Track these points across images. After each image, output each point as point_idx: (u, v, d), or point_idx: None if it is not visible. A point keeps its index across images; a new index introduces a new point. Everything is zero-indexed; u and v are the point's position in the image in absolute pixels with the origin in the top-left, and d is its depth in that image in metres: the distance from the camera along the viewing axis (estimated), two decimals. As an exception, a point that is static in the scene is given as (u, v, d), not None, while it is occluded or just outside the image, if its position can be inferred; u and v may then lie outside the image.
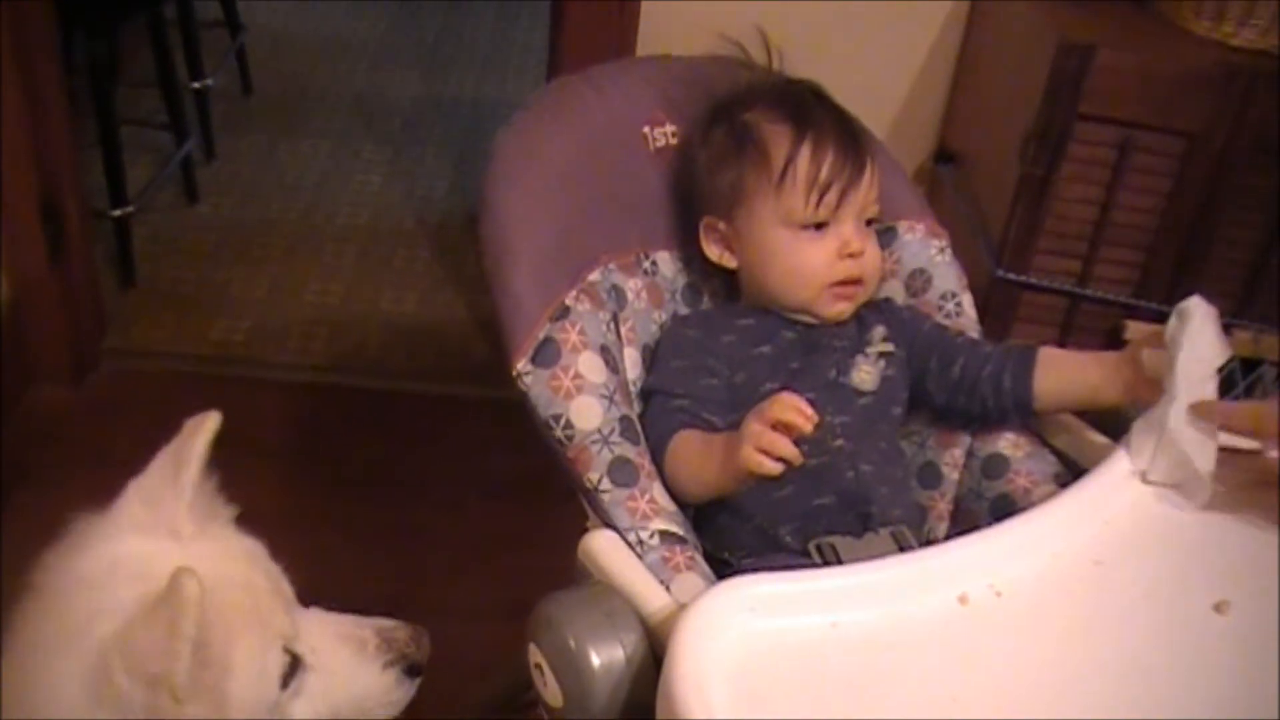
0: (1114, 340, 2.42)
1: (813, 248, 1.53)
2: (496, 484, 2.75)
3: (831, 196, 1.52)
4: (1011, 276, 2.36)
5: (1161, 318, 2.35)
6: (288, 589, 1.25)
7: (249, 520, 2.53)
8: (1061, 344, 2.44)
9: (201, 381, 3.01)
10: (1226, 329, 2.36)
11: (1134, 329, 2.39)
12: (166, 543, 1.18)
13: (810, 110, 1.56)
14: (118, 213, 3.21)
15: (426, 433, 2.94)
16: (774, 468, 1.31)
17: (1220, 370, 2.38)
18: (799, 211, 1.52)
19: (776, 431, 1.30)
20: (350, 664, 1.25)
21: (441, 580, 2.51)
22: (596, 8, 2.57)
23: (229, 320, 3.23)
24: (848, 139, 1.55)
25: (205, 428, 1.25)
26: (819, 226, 1.53)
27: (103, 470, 2.69)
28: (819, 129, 1.54)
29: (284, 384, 3.04)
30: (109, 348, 3.05)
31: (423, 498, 2.73)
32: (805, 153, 1.52)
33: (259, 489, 2.62)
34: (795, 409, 1.29)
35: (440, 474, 2.80)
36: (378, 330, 3.26)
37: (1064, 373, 1.52)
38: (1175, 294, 2.37)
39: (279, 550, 2.45)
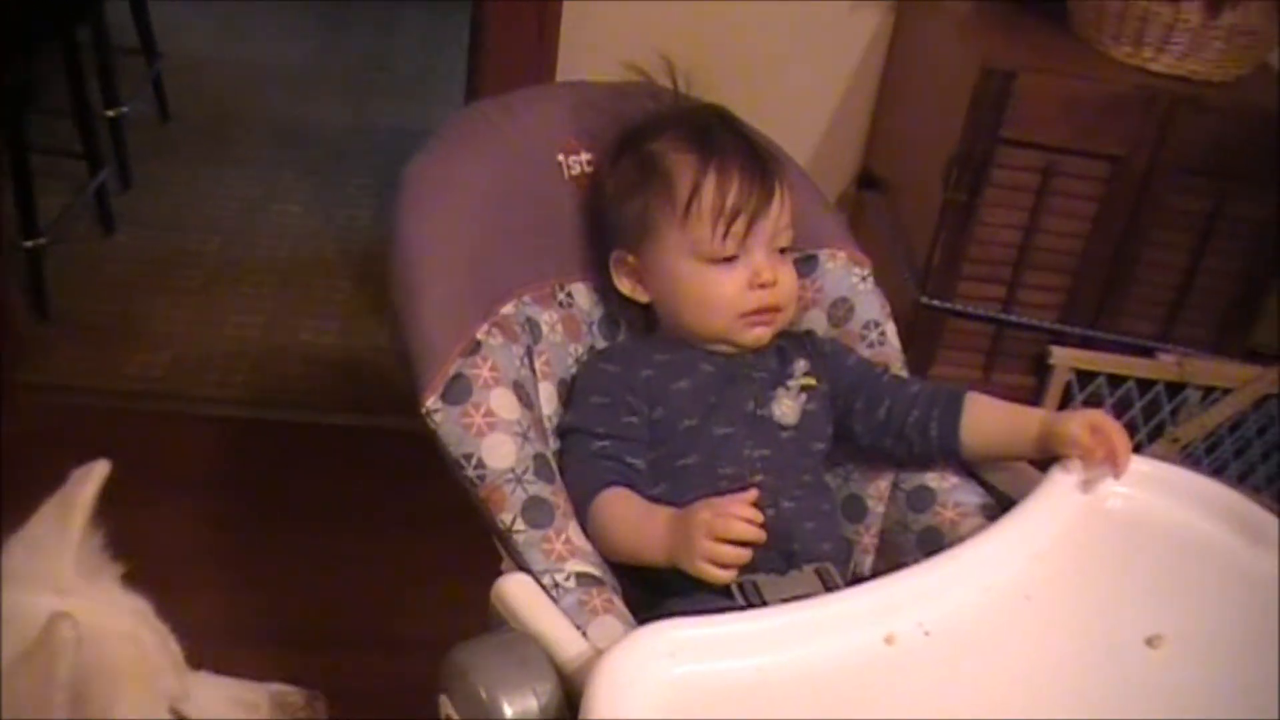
0: (1040, 367, 2.41)
1: (723, 279, 1.49)
2: (423, 516, 2.69)
3: (739, 226, 1.48)
4: (936, 303, 2.34)
5: (1087, 342, 2.39)
6: (176, 649, 1.20)
7: (168, 558, 2.48)
8: (987, 371, 2.44)
9: (119, 416, 2.93)
10: (1151, 352, 2.39)
11: (1059, 355, 2.38)
12: (48, 597, 1.12)
13: (716, 137, 1.52)
14: (30, 244, 3.12)
15: (350, 464, 2.88)
16: (729, 576, 1.30)
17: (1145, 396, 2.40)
18: (706, 243, 1.48)
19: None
20: None
21: (369, 613, 2.46)
22: (515, 34, 2.53)
23: (147, 354, 3.15)
24: (755, 165, 1.51)
25: (93, 477, 1.20)
26: (729, 259, 1.49)
27: (14, 505, 2.62)
28: (724, 156, 1.50)
29: (204, 418, 2.97)
30: (25, 382, 2.96)
31: (348, 530, 2.67)
32: (710, 182, 1.48)
33: (180, 525, 2.59)
34: (747, 530, 1.29)
35: (365, 506, 2.74)
36: (299, 362, 3.20)
37: (990, 428, 1.50)
38: (1100, 318, 2.40)
39: (202, 586, 2.41)
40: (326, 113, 4.53)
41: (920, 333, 2.34)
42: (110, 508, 2.59)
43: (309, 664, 2.29)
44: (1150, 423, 2.45)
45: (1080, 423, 1.40)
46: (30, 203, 3.12)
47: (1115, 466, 1.39)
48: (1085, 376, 2.41)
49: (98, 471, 1.21)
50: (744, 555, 1.29)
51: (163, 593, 2.47)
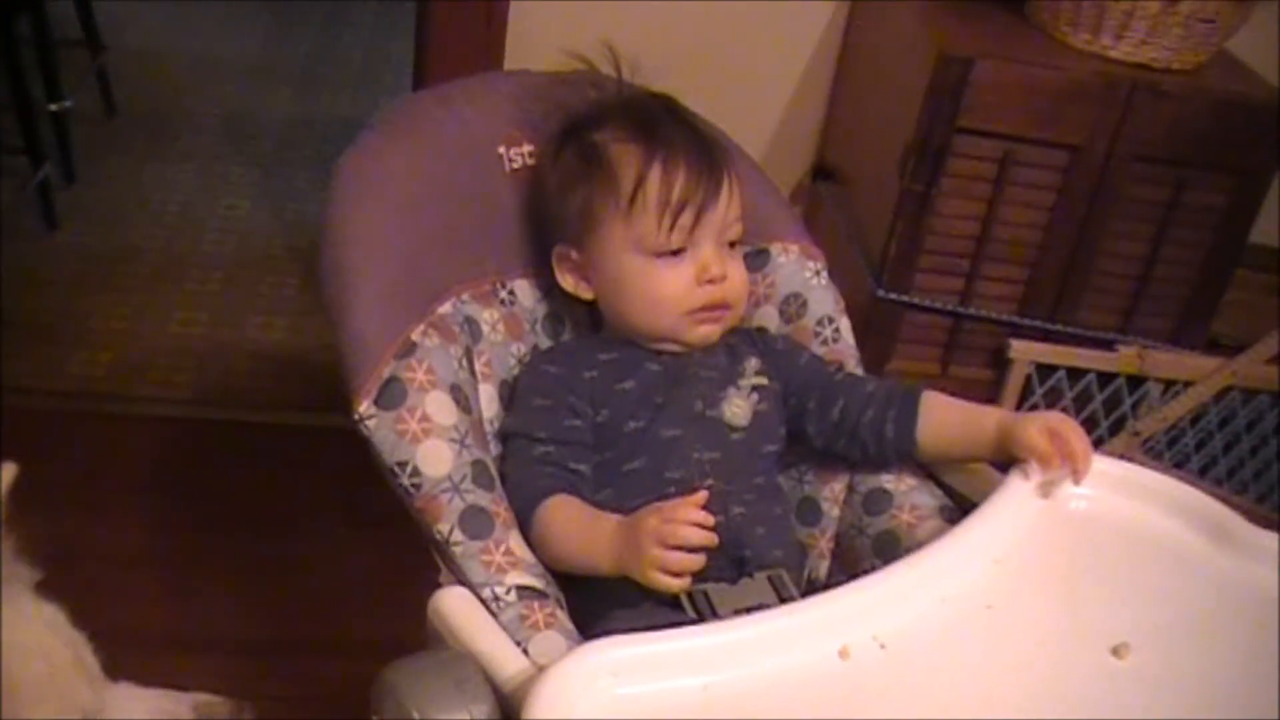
0: (1000, 360, 2.37)
1: (669, 274, 1.44)
2: (373, 517, 2.63)
3: (686, 219, 1.42)
4: (893, 296, 2.30)
5: (1046, 335, 2.36)
6: (91, 660, 1.15)
7: (109, 563, 2.42)
8: (946, 364, 2.40)
9: (59, 418, 2.87)
10: (1111, 345, 2.36)
11: (1019, 349, 2.34)
12: None
13: (661, 127, 1.47)
14: (-33, 241, 3.07)
15: (298, 464, 2.82)
16: (681, 585, 1.26)
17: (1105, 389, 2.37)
18: (651, 237, 1.43)
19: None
20: None
21: (319, 617, 2.42)
22: (462, 25, 2.48)
23: (89, 352, 3.09)
24: (702, 156, 1.45)
25: (2, 479, 1.14)
26: (675, 254, 1.44)
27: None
28: (670, 147, 1.44)
29: (148, 418, 2.91)
30: (-42, 381, 2.90)
31: (296, 532, 2.62)
32: (655, 173, 1.43)
33: (122, 529, 2.53)
34: (697, 534, 1.24)
35: (314, 507, 2.69)
36: (245, 360, 3.14)
37: (947, 430, 1.45)
38: (1059, 310, 2.36)
39: (143, 592, 2.35)
40: (274, 106, 4.47)
41: (877, 327, 2.29)
42: (49, 511, 2.53)
43: (254, 669, 2.26)
44: (1111, 416, 2.41)
45: (1038, 427, 1.34)
46: (-33, 199, 3.05)
47: (1075, 472, 1.34)
48: (1045, 370, 2.37)
49: (4, 475, 1.15)
50: (697, 561, 1.24)
51: (103, 598, 2.41)
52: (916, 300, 2.31)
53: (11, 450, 2.70)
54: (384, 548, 2.55)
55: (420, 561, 2.48)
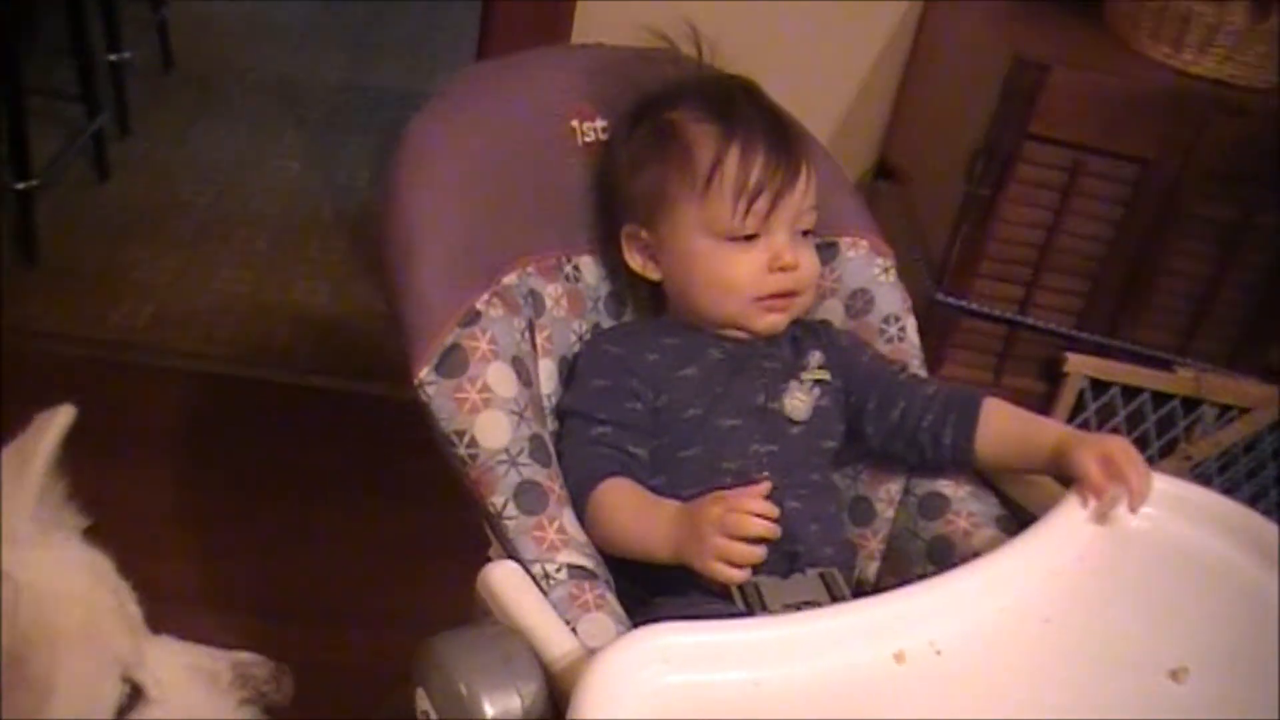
0: (1053, 373, 2.34)
1: (740, 258, 1.41)
2: (404, 487, 2.64)
3: (761, 204, 1.39)
4: (951, 300, 2.26)
5: (1103, 350, 2.32)
6: (134, 611, 1.14)
7: (140, 516, 2.41)
8: (998, 374, 2.37)
9: (99, 365, 2.87)
10: (1168, 365, 2.32)
11: (1075, 363, 2.30)
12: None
13: (740, 109, 1.44)
14: (21, 185, 3.06)
15: (333, 430, 2.82)
16: (741, 576, 1.23)
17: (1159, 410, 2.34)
18: (725, 221, 1.40)
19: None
20: (198, 700, 1.14)
21: (340, 585, 2.41)
22: (530, -5, 2.46)
23: (132, 304, 3.09)
24: (781, 141, 1.42)
25: (55, 424, 1.13)
26: (748, 239, 1.41)
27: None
28: (749, 130, 1.41)
29: (186, 373, 2.91)
30: (4, 324, 2.89)
31: (326, 498, 2.61)
32: (733, 156, 1.40)
33: (155, 483, 2.52)
34: (761, 525, 1.21)
35: (346, 474, 2.69)
36: (287, 322, 3.13)
37: (1005, 440, 1.42)
38: (1118, 326, 2.32)
39: (172, 547, 2.35)
40: (328, 71, 4.48)
41: (931, 331, 2.25)
42: (83, 460, 2.53)
43: (279, 634, 2.24)
44: (1163, 437, 2.37)
45: (1094, 453, 1.31)
46: (24, 144, 3.05)
47: (1130, 500, 1.31)
48: (1099, 386, 2.33)
49: (60, 419, 1.14)
50: (758, 554, 1.22)
51: (131, 551, 2.41)
52: (974, 306, 2.27)
53: (49, 398, 2.71)
54: (408, 520, 2.56)
55: (451, 536, 2.48)
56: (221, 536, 2.47)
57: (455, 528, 2.51)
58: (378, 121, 4.12)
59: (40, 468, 1.11)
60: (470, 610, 1.25)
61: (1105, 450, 1.31)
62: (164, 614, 2.27)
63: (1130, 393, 2.35)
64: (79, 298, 3.07)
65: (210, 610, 2.29)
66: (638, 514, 1.31)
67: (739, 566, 1.22)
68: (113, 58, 3.63)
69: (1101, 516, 1.31)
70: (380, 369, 2.98)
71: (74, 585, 1.07)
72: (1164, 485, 1.34)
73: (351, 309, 3.22)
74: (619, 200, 1.49)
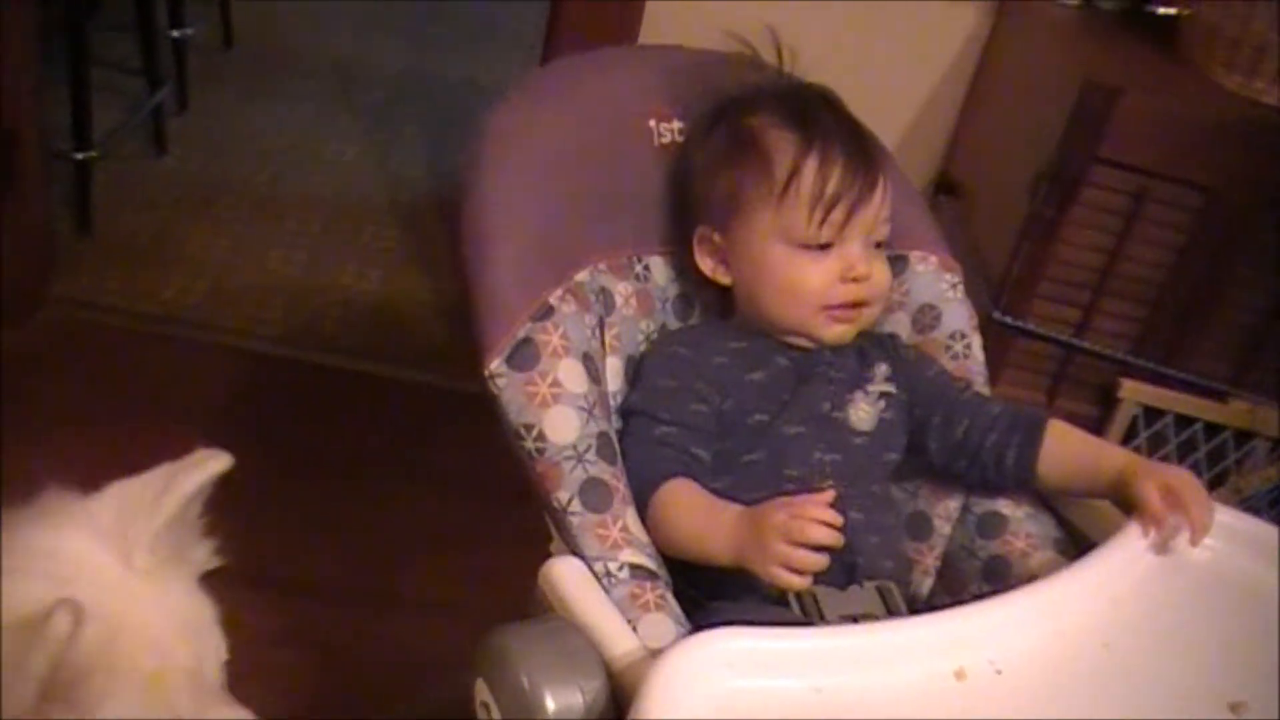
0: (1107, 398, 2.32)
1: (813, 267, 1.41)
2: (444, 477, 2.65)
3: (838, 214, 1.39)
4: (1008, 320, 2.25)
5: (1158, 378, 2.31)
6: (212, 673, 1.11)
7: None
8: (1051, 396, 2.35)
9: (148, 338, 2.89)
10: (1223, 396, 2.30)
11: (1129, 389, 2.29)
12: (108, 561, 1.05)
13: (821, 119, 1.44)
14: (80, 156, 3.08)
15: (376, 416, 2.83)
16: (802, 583, 1.22)
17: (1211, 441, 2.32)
18: (800, 228, 1.40)
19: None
20: None
21: (378, 570, 2.42)
22: (599, -7, 2.46)
23: (184, 279, 3.11)
24: (859, 153, 1.42)
25: (210, 465, 1.12)
26: (822, 247, 1.41)
27: (34, 414, 2.58)
28: (828, 139, 1.41)
29: (233, 350, 2.93)
30: (57, 293, 2.92)
31: (361, 482, 2.63)
32: (811, 164, 1.40)
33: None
34: (825, 533, 1.20)
35: (386, 460, 2.70)
36: (337, 305, 3.14)
37: (1068, 464, 1.41)
38: (1174, 354, 2.30)
39: (208, 521, 2.35)
40: (387, 58, 4.49)
41: (986, 349, 2.25)
42: (127, 428, 2.55)
43: (309, 613, 2.26)
44: (1215, 469, 2.36)
45: (1156, 483, 1.30)
46: (85, 115, 3.08)
47: (1191, 533, 1.30)
48: (1152, 413, 2.32)
49: (216, 463, 1.12)
50: (821, 562, 1.21)
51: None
52: (1031, 326, 2.26)
53: (96, 368, 2.72)
54: (444, 508, 2.57)
55: (486, 527, 2.49)
56: (259, 513, 2.47)
57: (485, 520, 2.53)
58: (435, 111, 4.13)
59: (176, 501, 1.09)
60: (529, 604, 1.25)
61: (1168, 481, 1.31)
62: (201, 587, 2.29)
63: (1183, 422, 2.33)
64: (131, 270, 3.08)
65: (245, 585, 2.29)
66: (700, 516, 1.31)
67: (800, 573, 1.21)
68: (175, 34, 3.66)
69: (1161, 547, 1.31)
70: (425, 358, 3.00)
71: (157, 631, 1.05)
72: (1225, 518, 1.33)
73: (400, 297, 3.22)
74: (692, 203, 1.49)
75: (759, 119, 1.44)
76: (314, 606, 2.30)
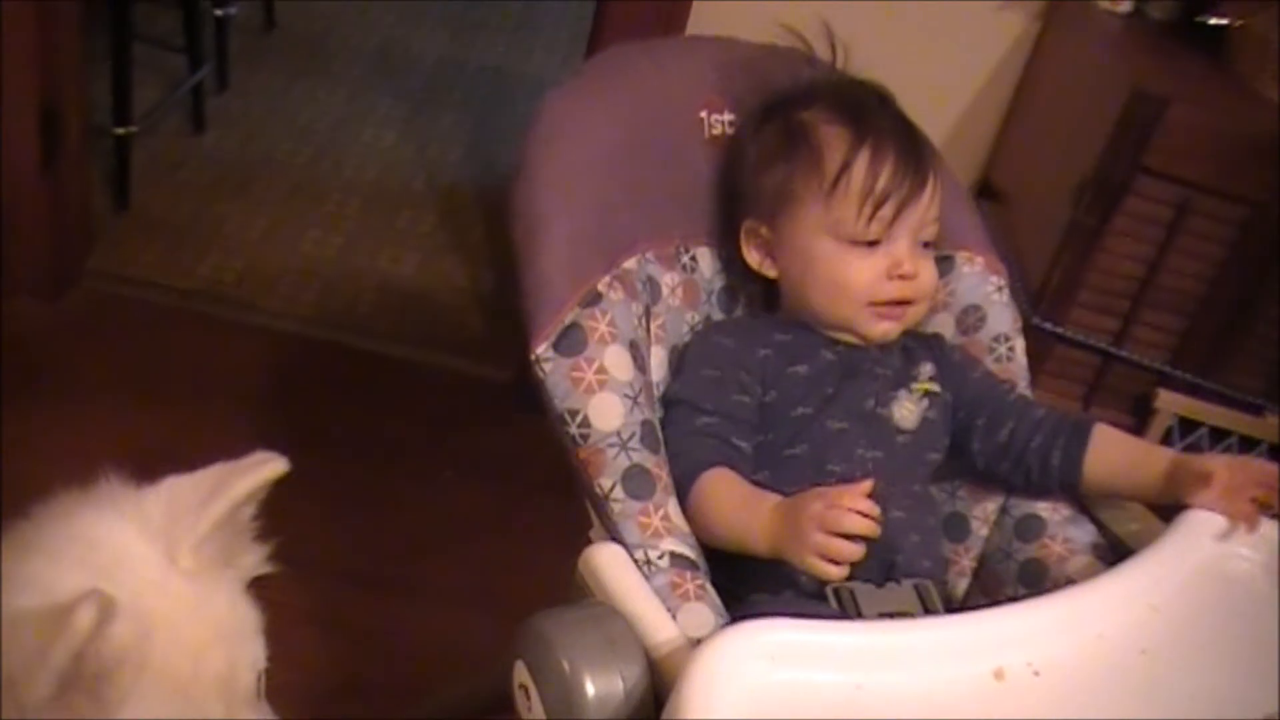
0: (1142, 408, 2.32)
1: (860, 263, 1.41)
2: (473, 464, 2.66)
3: (887, 211, 1.39)
4: (1047, 326, 2.24)
5: (1194, 390, 2.30)
6: (248, 682, 1.10)
7: (213, 462, 2.42)
8: (1087, 404, 2.34)
9: (182, 316, 2.91)
10: (1259, 410, 2.29)
11: (1166, 399, 2.29)
12: (151, 557, 1.04)
13: (873, 115, 1.44)
14: (120, 131, 3.10)
15: (407, 401, 2.84)
16: (839, 573, 1.21)
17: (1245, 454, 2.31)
18: (849, 224, 1.40)
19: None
20: None
21: (409, 557, 2.43)
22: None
23: (220, 257, 3.12)
24: (910, 151, 1.43)
25: (265, 469, 1.12)
26: (870, 244, 1.41)
27: (69, 388, 2.58)
28: (880, 136, 1.41)
29: (267, 330, 2.94)
30: (93, 268, 2.94)
31: (395, 468, 2.63)
32: (863, 160, 1.40)
33: (229, 433, 2.54)
34: (862, 523, 1.19)
35: (416, 446, 2.70)
36: (372, 289, 3.15)
37: (1116, 464, 1.41)
38: (1211, 367, 2.30)
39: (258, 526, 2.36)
40: (429, 45, 4.50)
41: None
42: (158, 405, 2.55)
43: (338, 597, 2.27)
44: (1246, 482, 2.35)
45: (1222, 460, 1.31)
46: (126, 90, 3.09)
47: (1256, 510, 1.31)
48: (1188, 425, 2.31)
49: (269, 468, 1.12)
50: (858, 551, 1.20)
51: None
52: (1070, 334, 2.26)
53: (132, 343, 2.73)
54: (474, 496, 2.58)
55: (514, 516, 2.49)
56: (291, 494, 2.48)
57: (514, 508, 2.53)
58: (474, 99, 4.14)
59: (227, 503, 1.08)
60: (569, 590, 1.26)
61: (1232, 459, 1.33)
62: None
63: (1218, 434, 2.32)
64: (168, 247, 3.10)
65: (279, 566, 2.30)
66: (739, 506, 1.30)
67: (837, 563, 1.21)
68: (218, 12, 3.66)
69: (1218, 538, 1.30)
70: (459, 345, 3.00)
71: (193, 633, 1.04)
72: (1266, 529, 1.33)
73: (436, 282, 3.23)
74: (742, 195, 1.49)
75: (812, 113, 1.45)
76: (342, 589, 2.31)
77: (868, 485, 1.23)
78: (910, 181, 1.40)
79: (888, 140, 1.41)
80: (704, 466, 1.33)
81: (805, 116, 1.45)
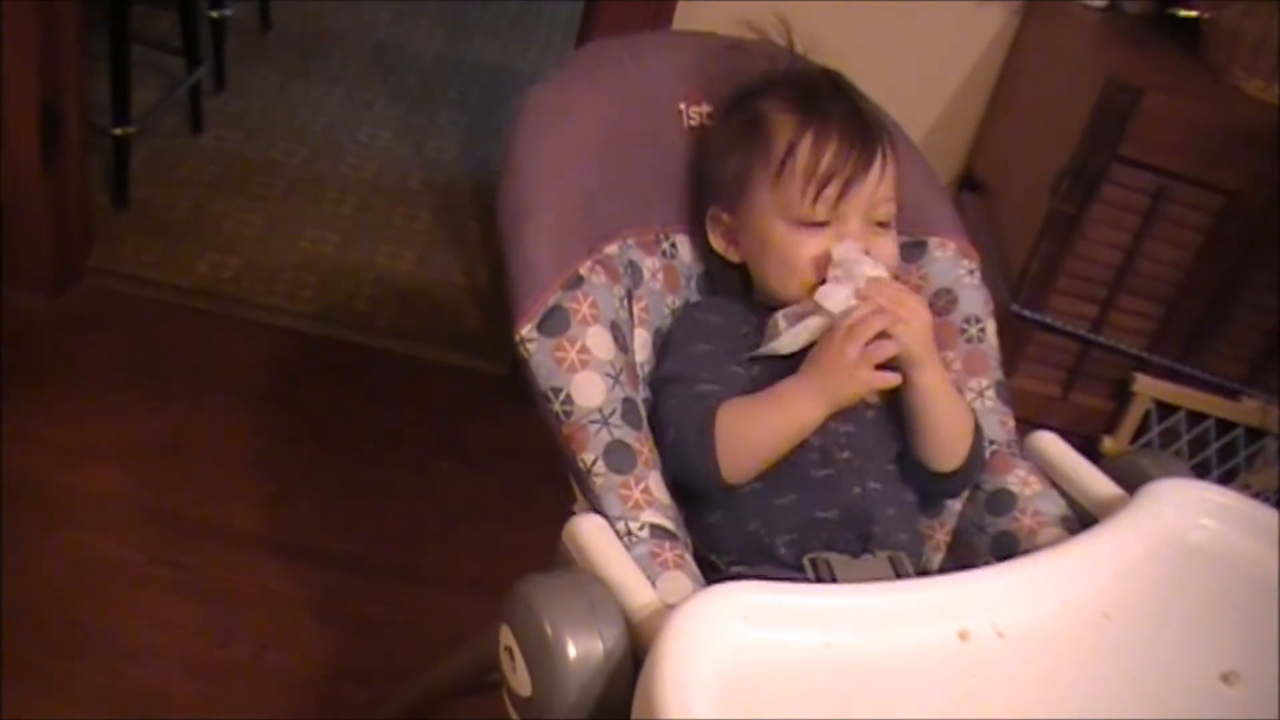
0: (1121, 392, 2.36)
1: (807, 242, 1.44)
2: (469, 455, 2.71)
3: (831, 190, 1.43)
4: (1027, 313, 2.29)
5: (1172, 375, 2.35)
6: None
7: (214, 460, 2.47)
8: (1067, 389, 2.39)
9: (182, 312, 2.95)
10: (1236, 394, 2.34)
11: (1143, 384, 2.33)
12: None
13: (821, 100, 1.48)
14: (119, 131, 3.14)
15: (404, 395, 2.88)
16: (895, 379, 1.37)
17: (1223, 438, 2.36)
18: (796, 206, 1.44)
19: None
20: None
21: (405, 545, 2.47)
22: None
23: (218, 255, 3.17)
24: (857, 131, 1.46)
25: None
26: (820, 225, 1.45)
27: (70, 384, 2.63)
28: (825, 119, 1.45)
29: (266, 326, 2.99)
30: (93, 265, 2.98)
31: (390, 459, 2.68)
32: (806, 143, 1.44)
33: (229, 428, 2.59)
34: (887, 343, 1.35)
35: (413, 438, 2.75)
36: (369, 285, 3.20)
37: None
38: (1189, 352, 2.34)
39: (243, 493, 2.41)
40: (425, 44, 4.53)
41: (1005, 342, 2.26)
42: (160, 401, 2.60)
43: (336, 585, 2.32)
44: (1224, 465, 2.40)
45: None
46: (125, 91, 3.13)
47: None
48: (1166, 409, 2.36)
49: None
50: (893, 348, 1.35)
51: (200, 491, 2.48)
52: (1049, 321, 2.31)
53: (132, 339, 2.77)
54: (470, 486, 2.62)
55: (515, 504, 2.53)
56: (292, 486, 2.53)
57: (514, 497, 2.58)
58: (470, 97, 4.18)
59: None
60: (554, 561, 1.30)
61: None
62: (234, 556, 2.34)
63: (1195, 418, 2.37)
64: (167, 245, 3.14)
65: (277, 554, 2.35)
66: (770, 404, 1.37)
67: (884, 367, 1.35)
68: (214, 14, 3.70)
69: (1177, 511, 1.35)
70: (454, 339, 3.05)
71: None
72: (1225, 499, 1.37)
73: (432, 278, 3.28)
74: (708, 183, 1.54)
75: (768, 104, 1.49)
76: (343, 578, 2.35)
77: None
78: (855, 161, 1.43)
79: (833, 122, 1.45)
80: (714, 410, 1.37)
81: (762, 106, 1.49)
